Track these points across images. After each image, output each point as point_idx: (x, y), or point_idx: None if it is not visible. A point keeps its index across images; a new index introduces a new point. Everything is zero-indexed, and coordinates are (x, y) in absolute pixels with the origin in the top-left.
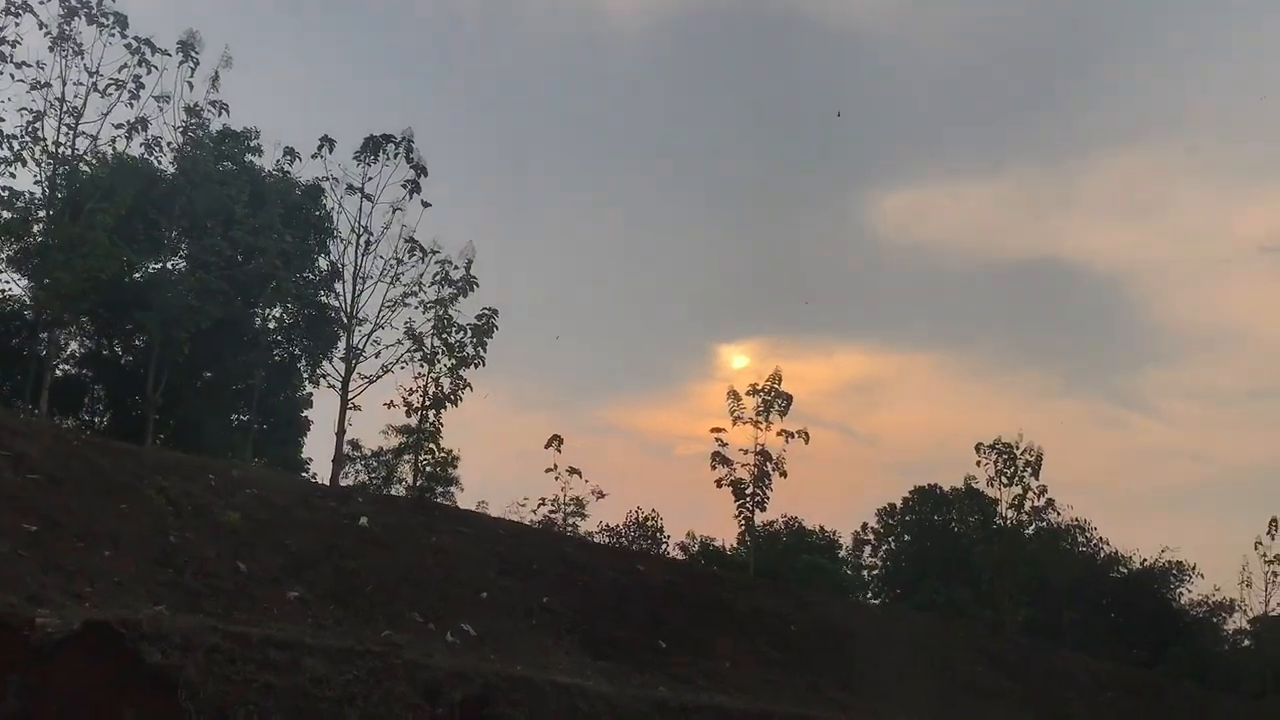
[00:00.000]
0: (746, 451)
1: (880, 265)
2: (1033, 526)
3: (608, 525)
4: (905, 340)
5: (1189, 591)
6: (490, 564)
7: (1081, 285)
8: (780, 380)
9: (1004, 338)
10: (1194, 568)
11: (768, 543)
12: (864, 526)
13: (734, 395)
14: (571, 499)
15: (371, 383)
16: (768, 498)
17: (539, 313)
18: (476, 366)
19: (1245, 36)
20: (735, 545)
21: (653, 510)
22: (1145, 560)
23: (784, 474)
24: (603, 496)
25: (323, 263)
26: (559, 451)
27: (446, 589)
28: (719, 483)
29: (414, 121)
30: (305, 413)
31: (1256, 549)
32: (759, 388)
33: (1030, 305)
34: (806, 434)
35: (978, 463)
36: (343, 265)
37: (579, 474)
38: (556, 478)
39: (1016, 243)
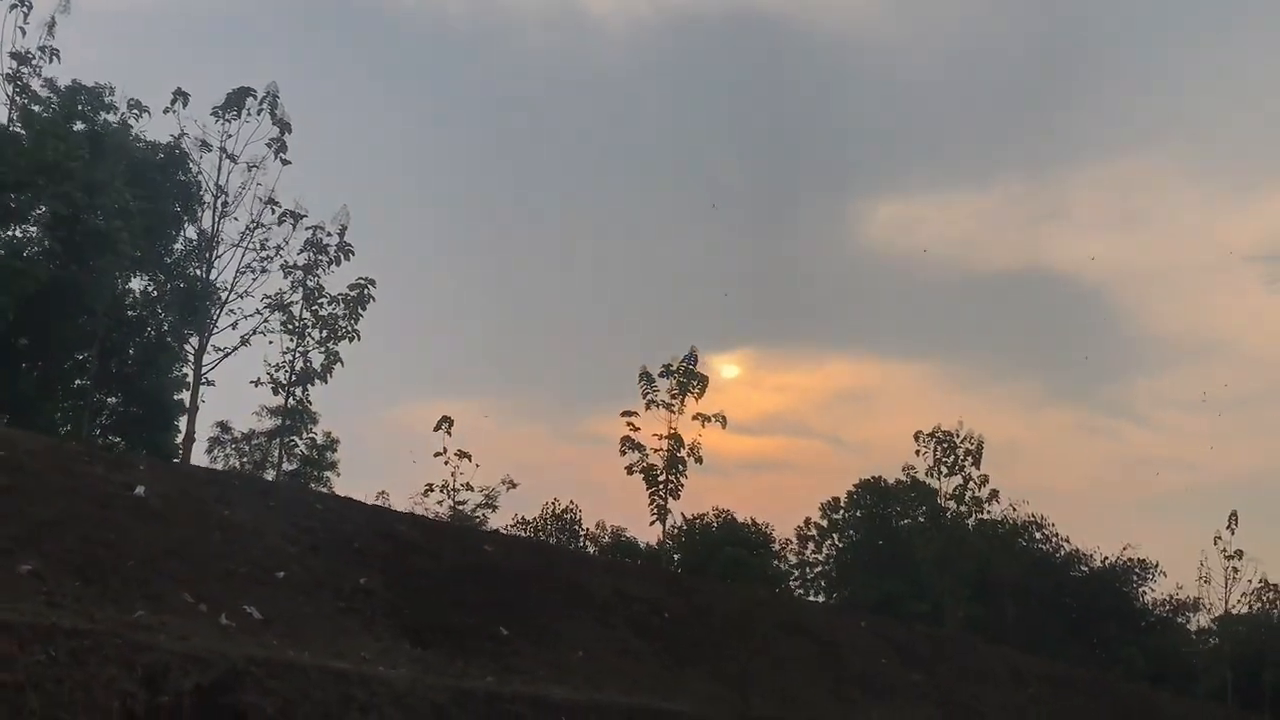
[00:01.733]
0: (660, 437)
1: (869, 275)
2: (974, 518)
3: (523, 518)
4: (895, 350)
5: (1152, 590)
6: (298, 540)
7: (1069, 295)
8: (696, 361)
9: (993, 347)
10: (1156, 566)
11: (697, 536)
12: (807, 521)
13: (646, 377)
14: (463, 483)
15: (226, 355)
16: (682, 485)
17: (527, 322)
18: (351, 341)
19: (1231, 50)
20: (667, 540)
21: (570, 502)
22: (1106, 559)
23: (699, 460)
24: (514, 487)
25: (192, 232)
26: (449, 435)
27: (233, 567)
28: (630, 469)
29: (404, 129)
30: (181, 396)
31: (1216, 544)
32: (673, 369)
33: (1018, 314)
34: (724, 418)
35: (917, 451)
36: (200, 230)
37: (469, 458)
38: (446, 462)
39: (1005, 252)
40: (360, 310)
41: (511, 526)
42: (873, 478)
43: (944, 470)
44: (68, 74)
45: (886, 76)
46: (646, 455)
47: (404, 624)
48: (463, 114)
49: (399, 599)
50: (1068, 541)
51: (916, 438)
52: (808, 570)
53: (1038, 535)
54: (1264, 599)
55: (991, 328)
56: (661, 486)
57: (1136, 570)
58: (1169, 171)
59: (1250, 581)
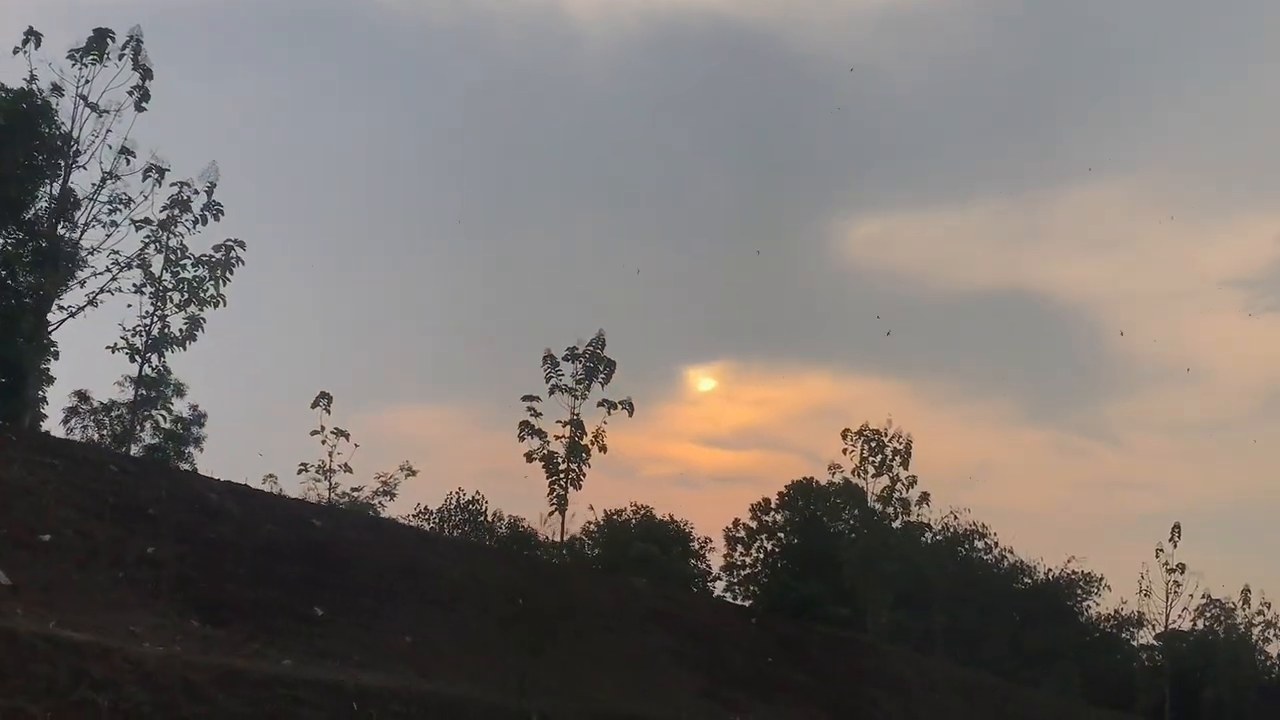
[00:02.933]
0: (562, 423)
1: (849, 291)
2: (900, 520)
3: (425, 508)
4: (872, 366)
5: (1096, 604)
6: (79, 504)
7: (1046, 315)
8: (603, 345)
9: (970, 366)
10: (1101, 580)
11: (613, 531)
12: (735, 523)
13: (550, 360)
14: (341, 464)
15: (72, 315)
16: (584, 474)
17: (505, 331)
18: (216, 306)
19: (1210, 79)
20: (582, 533)
21: (477, 492)
22: (1050, 571)
23: (603, 449)
24: (413, 474)
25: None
26: (328, 412)
27: None
28: (529, 456)
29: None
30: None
31: (1157, 557)
32: (579, 352)
33: (996, 334)
34: (631, 404)
35: (845, 450)
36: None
37: (346, 436)
38: (324, 441)
39: (984, 273)
40: (228, 275)
41: (411, 516)
42: (805, 478)
43: (871, 470)
44: None
45: (869, 94)
46: (548, 442)
47: (194, 599)
48: (442, 121)
49: (193, 571)
50: (1011, 552)
51: (844, 436)
52: (735, 573)
53: (979, 545)
54: (1207, 615)
55: (970, 346)
56: (562, 476)
57: (1081, 584)
58: (1148, 196)
59: (1192, 596)
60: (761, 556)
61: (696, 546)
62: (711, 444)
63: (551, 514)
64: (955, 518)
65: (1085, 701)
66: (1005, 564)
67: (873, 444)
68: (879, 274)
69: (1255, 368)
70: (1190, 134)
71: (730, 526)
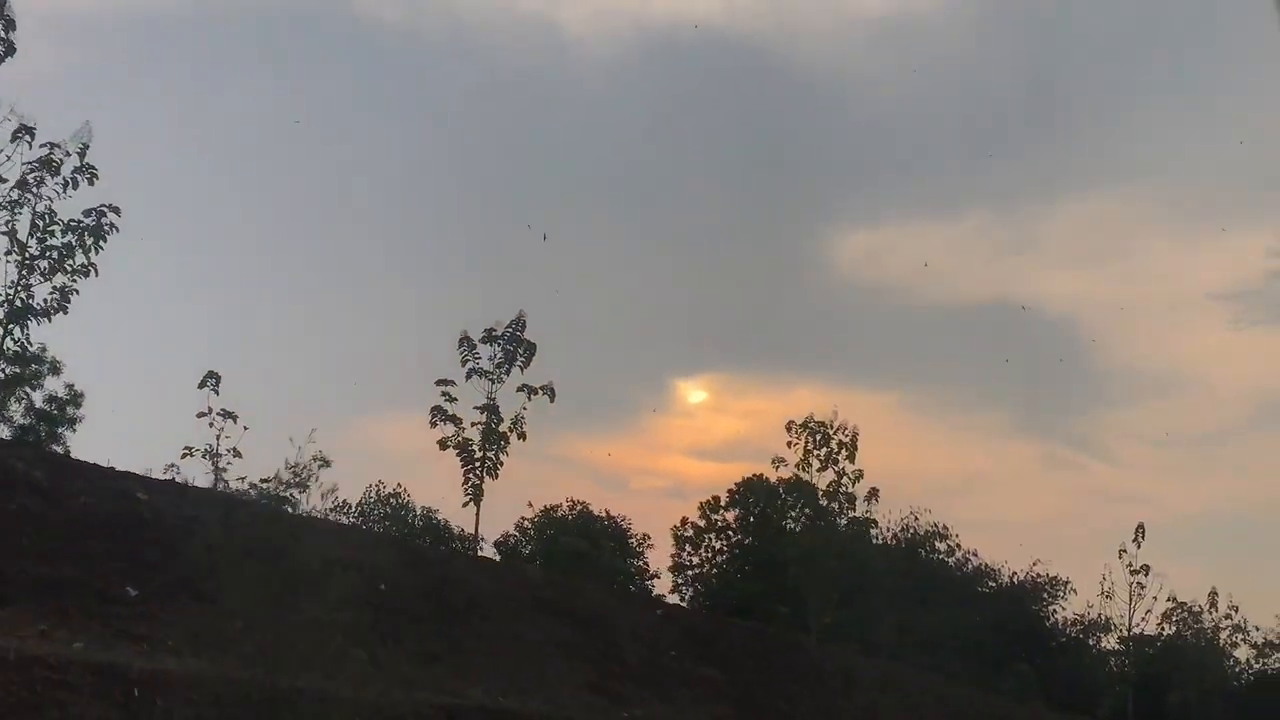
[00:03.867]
0: (479, 409)
1: (839, 303)
2: (845, 516)
3: (345, 502)
4: (862, 378)
5: (1063, 609)
6: None
7: (1036, 328)
8: (524, 328)
9: (960, 378)
10: (1067, 584)
11: (543, 525)
12: (684, 521)
13: (467, 342)
14: (229, 448)
15: None
16: (501, 463)
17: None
18: (87, 275)
19: (1202, 88)
20: (516, 529)
21: (398, 484)
22: (1015, 574)
23: (522, 436)
24: (327, 465)
25: None
26: (215, 393)
27: None
28: (442, 444)
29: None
30: None
31: (1120, 558)
32: (495, 334)
33: (986, 346)
34: (552, 390)
35: (789, 443)
36: None
37: (234, 418)
38: (211, 424)
39: (974, 285)
40: (100, 243)
41: (331, 511)
42: (755, 475)
43: (816, 464)
44: None
45: (862, 106)
46: (462, 429)
47: None
48: (435, 129)
49: None
50: (975, 555)
51: (789, 429)
52: (683, 573)
53: (940, 546)
54: (1174, 619)
55: (959, 358)
56: (478, 465)
57: (1047, 588)
58: (1138, 209)
59: (1155, 598)
60: (710, 556)
61: (635, 544)
62: (703, 456)
63: (466, 504)
64: (915, 518)
65: (1045, 705)
66: (970, 567)
67: (818, 437)
68: (869, 285)
69: (1244, 380)
70: (1180, 148)
71: (679, 525)
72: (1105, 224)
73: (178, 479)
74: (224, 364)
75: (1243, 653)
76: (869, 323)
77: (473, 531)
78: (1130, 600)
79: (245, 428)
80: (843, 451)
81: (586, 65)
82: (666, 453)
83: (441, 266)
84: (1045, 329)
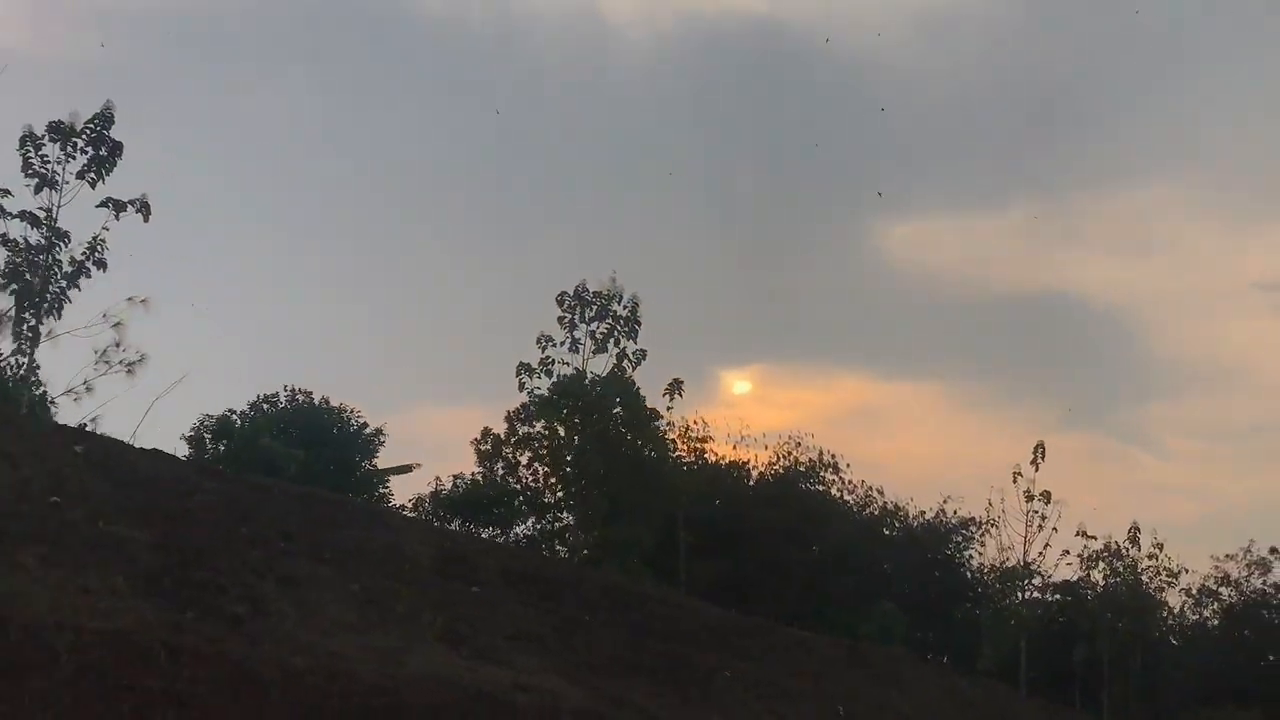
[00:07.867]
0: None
1: (884, 293)
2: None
3: None
4: (907, 369)
5: (979, 554)
6: None
7: (1083, 319)
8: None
9: (1006, 369)
10: (981, 526)
11: None
12: (485, 433)
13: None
14: None
15: None
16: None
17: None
18: None
19: (1247, 80)
20: None
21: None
22: (923, 512)
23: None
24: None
25: None
26: None
27: None
28: None
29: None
30: None
31: (1015, 482)
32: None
33: (1033, 337)
34: (147, 205)
35: (559, 318)
36: None
37: None
38: None
39: (1021, 275)
40: None
41: None
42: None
43: (592, 343)
44: None
45: (906, 96)
46: None
47: None
48: (478, 117)
49: None
50: (880, 493)
51: (560, 301)
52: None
53: (831, 479)
54: (1084, 559)
55: (1006, 349)
56: None
57: (960, 532)
58: (1183, 199)
59: (1056, 529)
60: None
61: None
62: (745, 446)
63: None
64: (796, 445)
65: (907, 651)
66: (875, 507)
67: (591, 306)
68: (915, 276)
69: None
70: (1226, 137)
71: (478, 438)
72: (1152, 214)
73: None
74: None
75: (1176, 599)
76: (914, 313)
77: None
78: (1025, 531)
79: None
80: (620, 325)
81: (631, 55)
82: (710, 444)
83: (476, 251)
84: (1092, 320)
